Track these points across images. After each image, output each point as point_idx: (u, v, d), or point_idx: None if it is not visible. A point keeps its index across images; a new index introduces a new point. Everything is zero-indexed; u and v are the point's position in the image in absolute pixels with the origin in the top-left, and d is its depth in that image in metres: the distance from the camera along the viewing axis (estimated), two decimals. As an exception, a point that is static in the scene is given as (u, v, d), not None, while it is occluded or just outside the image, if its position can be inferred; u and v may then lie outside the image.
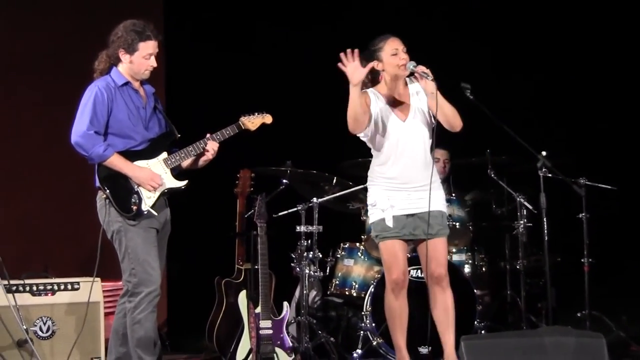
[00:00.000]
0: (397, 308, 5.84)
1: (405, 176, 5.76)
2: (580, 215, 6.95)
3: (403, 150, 5.75)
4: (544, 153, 6.66)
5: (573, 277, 7.09)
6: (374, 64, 5.74)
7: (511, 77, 8.20)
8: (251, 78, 8.18)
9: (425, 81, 5.66)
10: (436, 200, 5.77)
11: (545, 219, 6.66)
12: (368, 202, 5.94)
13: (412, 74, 5.76)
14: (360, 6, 8.53)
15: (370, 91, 5.86)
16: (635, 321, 7.32)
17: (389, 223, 5.75)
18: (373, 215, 5.86)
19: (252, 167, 6.74)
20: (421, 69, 5.67)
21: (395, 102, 5.83)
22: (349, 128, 5.73)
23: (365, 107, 5.67)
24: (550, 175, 6.73)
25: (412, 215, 5.76)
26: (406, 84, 5.86)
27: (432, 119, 5.74)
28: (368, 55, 5.76)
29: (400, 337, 5.86)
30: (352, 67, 5.55)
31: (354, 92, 5.60)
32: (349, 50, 5.51)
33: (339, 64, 5.51)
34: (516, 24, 8.42)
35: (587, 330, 6.38)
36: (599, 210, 7.04)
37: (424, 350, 6.42)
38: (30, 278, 6.48)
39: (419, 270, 6.62)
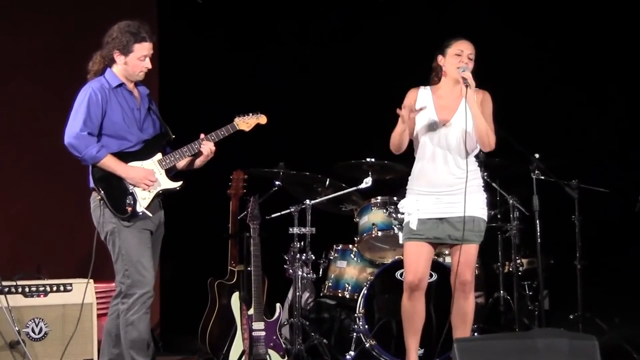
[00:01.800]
0: (410, 309, 5.82)
1: (437, 181, 5.72)
2: (573, 218, 6.96)
3: (438, 150, 5.72)
4: (537, 155, 6.70)
5: (566, 279, 7.10)
6: (438, 59, 5.78)
7: (504, 79, 8.22)
8: (245, 79, 8.20)
9: (465, 88, 5.62)
10: (475, 204, 5.72)
11: (538, 221, 6.70)
12: (399, 207, 5.94)
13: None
14: (355, 7, 8.53)
15: (423, 88, 5.85)
16: (628, 323, 7.35)
17: (413, 226, 5.73)
18: (405, 219, 5.84)
19: (245, 169, 6.77)
20: (466, 74, 5.63)
21: (444, 103, 5.78)
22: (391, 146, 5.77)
23: (406, 137, 5.69)
24: (543, 177, 6.78)
25: (444, 219, 5.73)
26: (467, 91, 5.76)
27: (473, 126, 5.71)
28: (440, 48, 5.78)
29: (410, 339, 5.86)
30: (407, 114, 5.57)
31: (400, 127, 5.64)
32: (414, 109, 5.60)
33: (398, 110, 5.58)
34: (510, 26, 8.42)
35: (579, 332, 6.41)
36: (591, 212, 7.06)
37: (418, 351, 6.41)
38: (22, 279, 6.49)
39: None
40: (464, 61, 5.70)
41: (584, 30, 8.44)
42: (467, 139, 5.70)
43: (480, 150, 5.87)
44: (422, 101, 5.77)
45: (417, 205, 5.75)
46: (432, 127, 5.76)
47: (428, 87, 5.86)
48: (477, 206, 5.76)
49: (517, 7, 8.43)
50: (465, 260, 5.74)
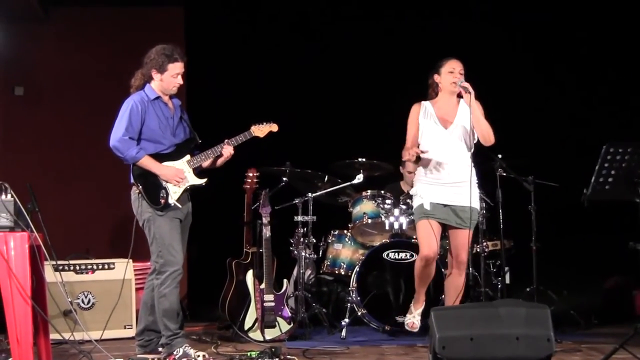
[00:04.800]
0: (424, 273, 5.84)
1: (442, 175, 5.77)
2: (529, 207, 6.92)
3: (444, 153, 5.77)
4: (499, 156, 6.71)
5: (523, 258, 7.02)
6: (434, 77, 5.85)
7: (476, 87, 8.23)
8: (258, 92, 8.14)
9: (467, 95, 5.69)
10: (474, 197, 5.75)
11: (500, 211, 6.73)
12: (411, 193, 5.95)
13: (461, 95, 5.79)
14: (358, 15, 8.50)
15: (425, 103, 5.89)
16: (574, 294, 7.34)
17: (427, 207, 5.75)
18: (415, 202, 5.86)
19: (258, 167, 6.74)
20: (465, 84, 5.70)
21: (443, 113, 5.84)
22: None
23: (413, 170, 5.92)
24: (504, 174, 6.76)
25: (447, 206, 5.78)
26: (459, 102, 5.86)
27: (473, 134, 5.75)
28: (434, 68, 5.86)
29: (421, 289, 5.92)
30: (408, 155, 5.72)
31: (412, 168, 5.96)
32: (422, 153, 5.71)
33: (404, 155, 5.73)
34: (474, 30, 8.36)
35: (535, 302, 6.40)
36: (545, 203, 7.06)
37: (400, 319, 6.39)
38: (74, 259, 6.56)
39: (397, 253, 6.68)
40: (457, 76, 5.78)
41: (551, 39, 8.43)
42: (466, 140, 5.79)
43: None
44: (424, 114, 5.84)
45: (430, 191, 5.78)
46: (437, 133, 5.82)
47: (428, 102, 5.92)
48: (476, 198, 5.85)
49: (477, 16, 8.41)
50: (462, 243, 5.80)
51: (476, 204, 5.85)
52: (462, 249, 5.81)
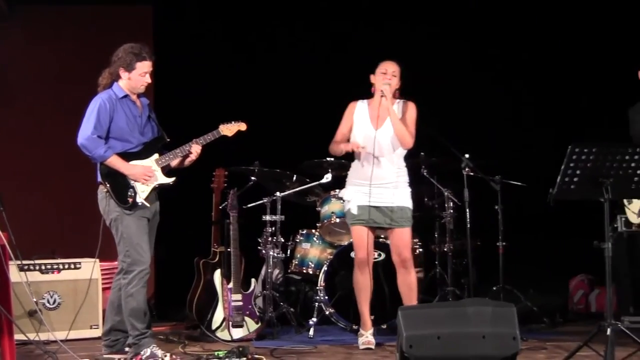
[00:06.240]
0: (362, 282, 5.98)
1: (374, 175, 5.85)
2: (496, 207, 6.98)
3: (374, 152, 5.87)
4: (467, 155, 6.75)
5: (490, 257, 7.09)
6: (371, 77, 5.96)
7: (443, 95, 8.26)
8: (226, 91, 8.13)
9: (382, 99, 5.82)
10: (401, 196, 5.89)
11: (467, 210, 6.77)
12: (340, 196, 6.08)
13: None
14: (327, 15, 8.48)
15: (360, 102, 6.02)
16: (540, 293, 7.38)
17: (354, 211, 5.87)
18: (345, 207, 6.01)
19: (226, 166, 6.73)
20: (383, 87, 5.82)
21: (376, 112, 5.93)
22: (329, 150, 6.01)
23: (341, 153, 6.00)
24: (472, 173, 6.80)
25: (377, 207, 5.87)
26: (392, 102, 5.92)
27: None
28: (375, 69, 5.95)
29: (364, 306, 6.01)
30: (351, 146, 5.87)
31: (343, 149, 5.92)
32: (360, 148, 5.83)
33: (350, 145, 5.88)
34: (442, 35, 8.40)
35: (501, 301, 6.44)
36: (511, 202, 7.09)
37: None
38: (39, 259, 6.50)
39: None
40: (388, 78, 5.88)
41: (517, 42, 8.47)
42: (394, 141, 5.90)
43: (407, 150, 6.03)
44: (359, 112, 5.93)
45: (356, 194, 5.90)
46: (368, 132, 5.94)
47: (365, 101, 6.03)
48: (405, 197, 5.94)
49: (437, 19, 8.43)
50: (401, 242, 5.92)
51: (407, 202, 5.95)
52: (402, 248, 5.93)
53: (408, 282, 5.95)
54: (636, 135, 6.28)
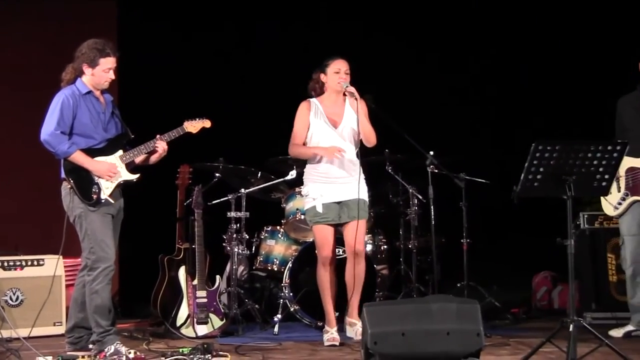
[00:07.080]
0: (326, 280, 6.02)
1: (334, 172, 5.93)
2: (461, 204, 7.00)
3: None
4: (431, 152, 6.77)
5: (454, 254, 7.12)
6: (320, 76, 5.96)
7: (409, 87, 8.29)
8: (191, 87, 8.11)
9: (353, 100, 5.85)
10: (362, 190, 5.96)
11: (432, 207, 6.77)
12: (303, 193, 6.08)
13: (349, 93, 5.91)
14: (291, 14, 8.52)
15: (314, 101, 6.00)
16: (503, 290, 7.42)
17: (319, 209, 5.89)
18: (307, 204, 6.01)
19: (191, 163, 6.71)
20: (351, 89, 5.83)
21: (332, 113, 5.98)
22: (289, 152, 6.03)
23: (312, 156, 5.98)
24: (436, 170, 6.79)
25: (339, 202, 5.92)
26: (345, 100, 5.99)
27: (358, 134, 5.93)
28: (320, 67, 5.94)
29: (328, 303, 6.03)
30: (330, 152, 5.86)
31: (313, 153, 5.92)
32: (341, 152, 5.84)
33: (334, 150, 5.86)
34: (409, 33, 8.44)
35: (465, 298, 6.45)
36: (476, 199, 7.11)
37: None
38: (2, 255, 6.43)
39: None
40: (343, 77, 5.91)
41: (487, 42, 8.52)
42: (354, 138, 5.96)
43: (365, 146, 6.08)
44: (315, 112, 5.96)
45: (321, 191, 5.94)
46: (326, 131, 5.97)
47: (316, 99, 6.04)
48: (363, 190, 6.01)
49: (399, 19, 8.46)
50: (359, 234, 5.95)
51: (364, 196, 6.02)
52: (361, 238, 5.99)
53: (357, 272, 6.01)
54: (620, 127, 6.19)
